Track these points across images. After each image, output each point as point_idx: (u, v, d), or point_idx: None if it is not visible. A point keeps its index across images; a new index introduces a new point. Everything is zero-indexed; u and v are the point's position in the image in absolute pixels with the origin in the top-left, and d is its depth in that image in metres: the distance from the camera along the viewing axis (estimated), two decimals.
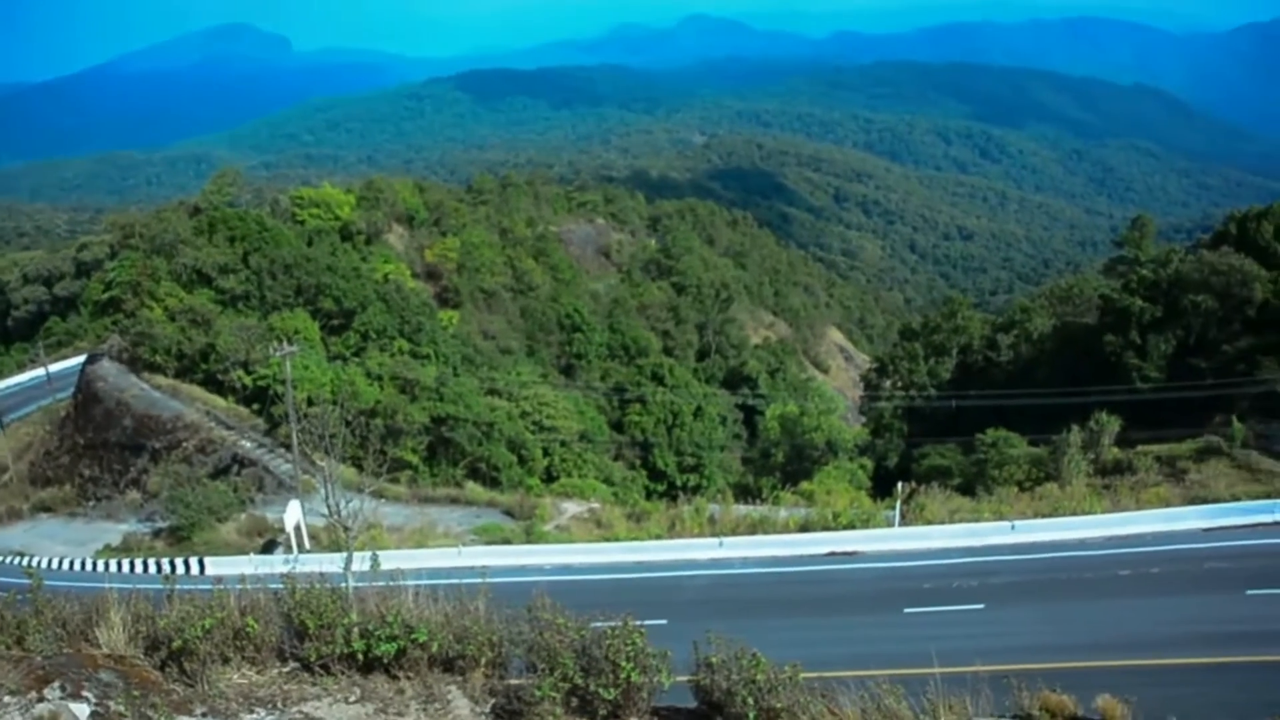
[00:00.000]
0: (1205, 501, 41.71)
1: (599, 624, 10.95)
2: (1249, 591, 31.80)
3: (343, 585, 11.92)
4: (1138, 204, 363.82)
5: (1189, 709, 19.70)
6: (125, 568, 51.48)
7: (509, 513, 56.04)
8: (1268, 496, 41.31)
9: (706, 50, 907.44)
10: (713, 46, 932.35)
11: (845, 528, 41.32)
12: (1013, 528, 39.10)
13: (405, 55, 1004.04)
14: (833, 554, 38.71)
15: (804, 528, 42.01)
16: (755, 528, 42.79)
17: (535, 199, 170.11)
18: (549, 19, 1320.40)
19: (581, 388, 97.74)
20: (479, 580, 12.16)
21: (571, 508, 57.55)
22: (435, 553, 42.17)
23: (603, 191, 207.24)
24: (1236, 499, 41.71)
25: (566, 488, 70.39)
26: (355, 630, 10.30)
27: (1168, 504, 42.38)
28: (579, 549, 41.79)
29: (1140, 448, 66.67)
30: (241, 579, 11.40)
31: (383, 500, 54.44)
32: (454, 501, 59.85)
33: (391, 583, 11.42)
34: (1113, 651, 28.15)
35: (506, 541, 46.29)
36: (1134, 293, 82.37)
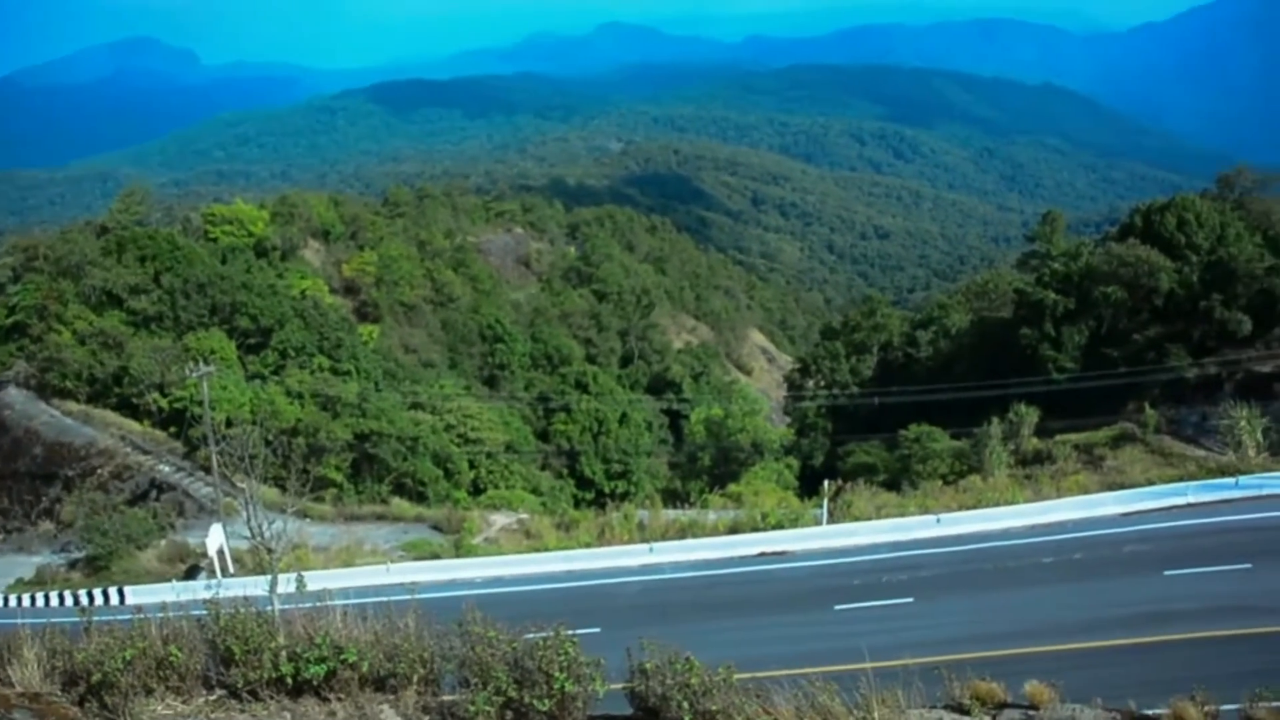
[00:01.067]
0: (1122, 487, 42.78)
1: (531, 635, 10.95)
2: (1166, 572, 32.77)
3: (268, 609, 11.78)
4: (1048, 199, 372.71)
5: (1114, 689, 20.22)
6: (39, 602, 49.97)
7: (437, 527, 55.56)
8: (1180, 480, 42.55)
9: (621, 57, 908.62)
10: (627, 53, 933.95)
11: (774, 528, 41.62)
12: (938, 521, 39.73)
13: (317, 68, 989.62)
14: (763, 554, 38.98)
15: (733, 529, 42.25)
16: (685, 532, 42.92)
17: (453, 210, 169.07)
18: (463, 28, 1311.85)
19: (506, 398, 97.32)
20: (408, 597, 12.09)
21: (500, 520, 57.27)
22: (363, 571, 41.69)
23: (520, 201, 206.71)
24: (1151, 483, 42.87)
25: (494, 500, 70.00)
26: (283, 654, 10.17)
27: (1087, 491, 43.33)
28: (509, 561, 41.56)
29: (1059, 437, 68.25)
30: (163, 607, 11.18)
31: (307, 520, 53.70)
32: (380, 518, 59.17)
33: (319, 603, 11.32)
34: (1040, 637, 28.81)
35: (435, 556, 45.90)
36: (1047, 286, 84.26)
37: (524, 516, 57.74)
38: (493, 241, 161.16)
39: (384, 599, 13.22)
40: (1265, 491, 39.36)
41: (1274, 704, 17.94)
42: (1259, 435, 50.33)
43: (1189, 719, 16.69)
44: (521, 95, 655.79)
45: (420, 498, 68.91)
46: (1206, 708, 16.97)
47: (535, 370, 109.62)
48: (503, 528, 54.59)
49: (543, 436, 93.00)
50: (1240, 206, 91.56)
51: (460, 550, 46.57)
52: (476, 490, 76.17)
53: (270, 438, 38.18)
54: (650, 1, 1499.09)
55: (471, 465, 77.93)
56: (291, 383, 77.11)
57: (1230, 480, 40.71)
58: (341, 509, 60.91)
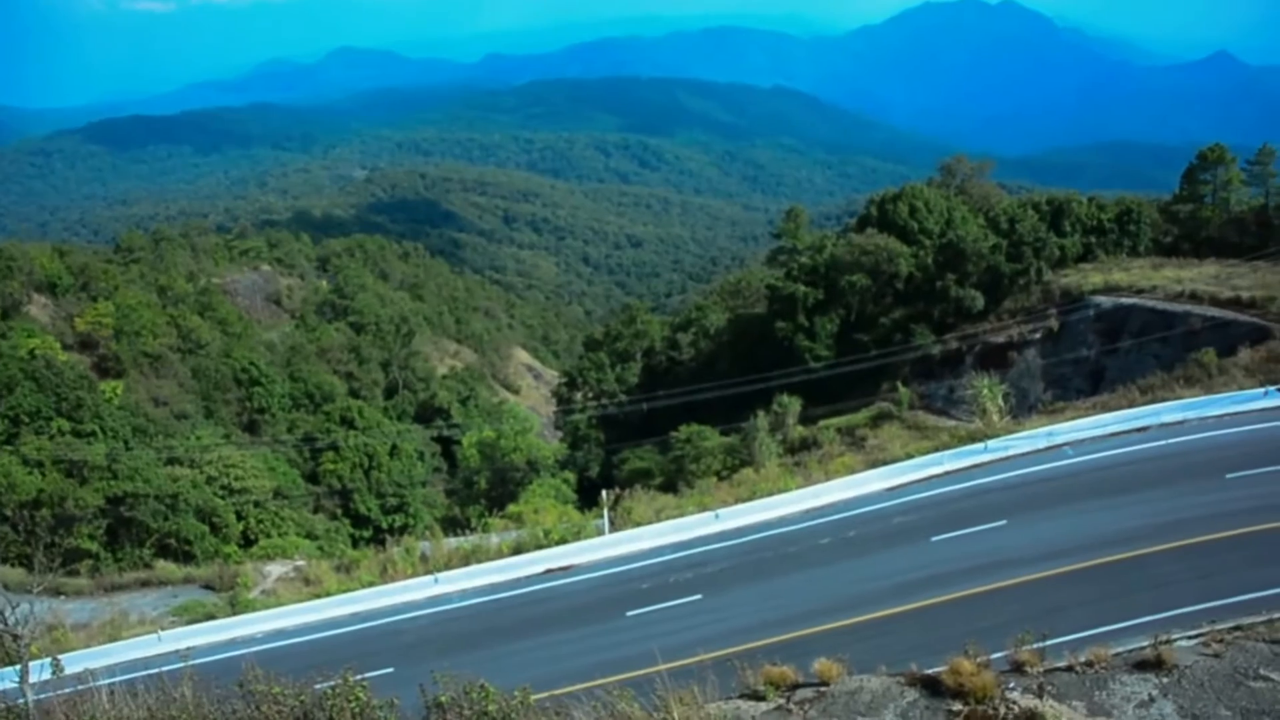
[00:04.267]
0: (885, 463, 44.85)
1: (320, 686, 10.50)
2: (933, 538, 34.76)
3: (20, 702, 10.81)
4: (789, 196, 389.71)
5: (897, 655, 21.25)
6: None
7: (209, 586, 52.62)
8: (935, 450, 45.11)
9: (358, 82, 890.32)
10: (364, 78, 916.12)
11: (558, 543, 41.51)
12: (717, 517, 40.58)
13: (22, 107, 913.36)
14: (549, 571, 38.82)
15: (517, 550, 41.86)
16: (469, 558, 42.23)
17: (193, 252, 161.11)
18: (185, 60, 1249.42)
19: (269, 443, 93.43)
20: (182, 664, 11.36)
21: (276, 569, 54.83)
22: (131, 644, 38.95)
23: (266, 236, 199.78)
24: (910, 456, 45.22)
25: (267, 549, 66.99)
26: None
27: (853, 471, 45.13)
28: (289, 611, 39.76)
29: (822, 422, 71.22)
30: None
31: (61, 597, 49.84)
32: (145, 584, 55.48)
33: (81, 686, 10.47)
34: (825, 616, 29.95)
35: (210, 617, 43.40)
36: (796, 279, 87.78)
37: (301, 563, 55.48)
38: (239, 281, 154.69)
39: (157, 670, 12.38)
40: (1011, 452, 42.31)
41: (1035, 645, 19.31)
42: (1000, 401, 54.06)
43: (965, 672, 17.71)
44: (256, 126, 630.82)
45: (187, 557, 65.12)
46: (979, 659, 18.07)
47: (297, 411, 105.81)
48: (280, 577, 52.29)
49: (312, 478, 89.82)
50: (962, 192, 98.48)
51: (236, 607, 44.25)
52: (247, 542, 72.73)
53: (9, 513, 35.20)
54: (384, 25, 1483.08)
55: (239, 516, 74.35)
56: (28, 450, 71.39)
57: (979, 445, 43.49)
58: (100, 580, 56.74)
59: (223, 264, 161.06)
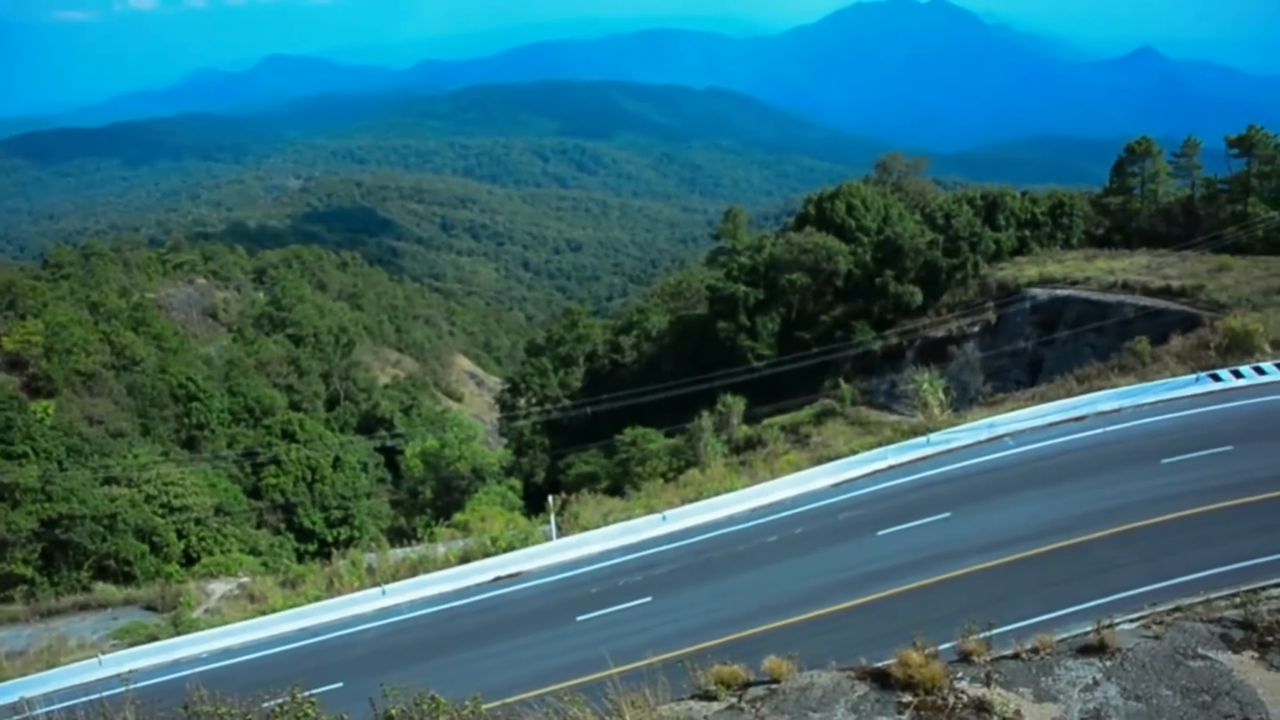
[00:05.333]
0: (829, 460, 45.23)
1: (268, 704, 10.35)
2: (879, 532, 35.15)
3: None
4: (727, 197, 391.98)
5: (845, 649, 21.44)
6: None
7: (151, 607, 51.69)
8: (879, 445, 45.57)
9: (291, 91, 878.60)
10: (297, 87, 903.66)
11: (506, 550, 41.31)
12: (664, 518, 40.64)
13: None
14: (498, 579, 38.64)
15: (465, 559, 41.60)
16: (416, 569, 41.89)
17: (125, 266, 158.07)
18: (111, 71, 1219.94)
19: (209, 459, 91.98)
20: (124, 689, 11.14)
21: (219, 587, 54.02)
22: (71, 670, 38.09)
23: (200, 249, 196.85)
24: (855, 452, 45.62)
25: (210, 567, 65.97)
26: None
27: (798, 468, 45.44)
28: (235, 629, 39.15)
29: (766, 421, 71.70)
30: None
31: None
32: (84, 608, 54.36)
33: (18, 717, 10.23)
34: (775, 613, 30.14)
35: (153, 639, 42.60)
36: (736, 280, 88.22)
37: (245, 580, 54.71)
38: (174, 296, 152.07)
39: (99, 695, 12.13)
40: (953, 445, 42.86)
41: (981, 635, 19.57)
42: (940, 394, 54.77)
43: (913, 664, 17.88)
44: (187, 137, 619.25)
45: (127, 578, 63.81)
46: (927, 650, 18.27)
47: (237, 425, 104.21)
48: (223, 595, 51.51)
49: (254, 493, 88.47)
50: (899, 189, 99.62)
51: (180, 628, 43.48)
52: (189, 560, 71.44)
53: None
54: (315, 32, 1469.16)
55: (180, 535, 73.00)
56: None
57: (922, 439, 44.03)
58: (36, 605, 55.47)
59: (156, 278, 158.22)
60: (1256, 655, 18.88)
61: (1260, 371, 45.19)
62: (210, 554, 71.56)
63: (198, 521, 75.03)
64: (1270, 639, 19.39)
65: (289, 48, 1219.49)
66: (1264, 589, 22.74)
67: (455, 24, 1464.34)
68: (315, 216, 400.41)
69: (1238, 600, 21.41)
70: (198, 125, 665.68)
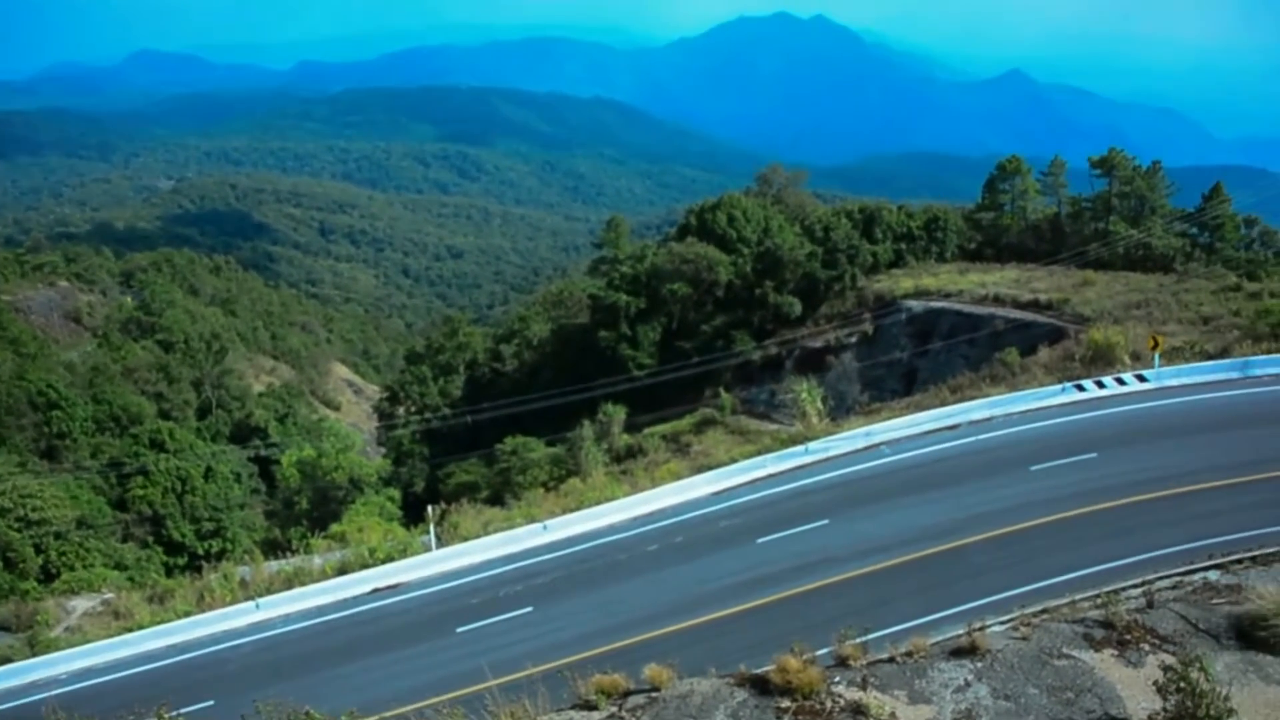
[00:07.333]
0: (710, 468, 45.51)
1: None
2: (759, 540, 35.47)
3: None
4: (610, 206, 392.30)
5: (726, 656, 21.55)
6: None
7: (4, 627, 49.38)
8: (759, 453, 46.05)
9: (162, 87, 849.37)
10: (168, 83, 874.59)
11: (384, 562, 40.55)
12: (545, 528, 40.38)
13: None
14: (376, 590, 37.91)
15: (342, 570, 40.70)
16: (291, 581, 40.82)
17: None
18: None
19: (70, 469, 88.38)
20: None
21: (81, 604, 51.87)
22: None
23: (62, 251, 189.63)
24: (734, 460, 46.05)
25: (71, 583, 63.21)
26: None
27: (679, 477, 45.58)
28: (97, 648, 37.51)
29: (647, 430, 72.10)
30: None
31: None
32: None
33: None
34: (656, 622, 30.19)
35: (6, 660, 40.67)
36: (618, 289, 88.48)
37: (109, 596, 52.64)
38: (33, 299, 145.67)
39: None
40: (831, 453, 43.57)
41: (858, 639, 19.92)
42: (819, 404, 55.70)
43: (791, 669, 18.09)
44: (48, 133, 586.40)
45: None
46: (805, 656, 18.52)
47: (102, 434, 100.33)
48: (86, 613, 49.48)
49: (120, 505, 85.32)
50: (779, 201, 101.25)
51: (36, 648, 41.56)
52: (48, 576, 68.41)
53: None
54: (187, 28, 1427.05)
55: (38, 550, 69.93)
56: None
57: (801, 448, 44.61)
58: None
59: (14, 280, 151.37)
60: (1116, 653, 19.64)
61: (1121, 382, 47.18)
62: (71, 569, 68.63)
63: (58, 535, 72.00)
64: (1129, 637, 20.19)
65: (159, 43, 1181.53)
66: (1124, 589, 23.64)
67: (335, 25, 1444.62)
68: (187, 219, 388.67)
69: (1100, 601, 22.20)
70: (60, 120, 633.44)
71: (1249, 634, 20.08)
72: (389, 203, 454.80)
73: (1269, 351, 48.42)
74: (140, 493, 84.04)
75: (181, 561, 78.96)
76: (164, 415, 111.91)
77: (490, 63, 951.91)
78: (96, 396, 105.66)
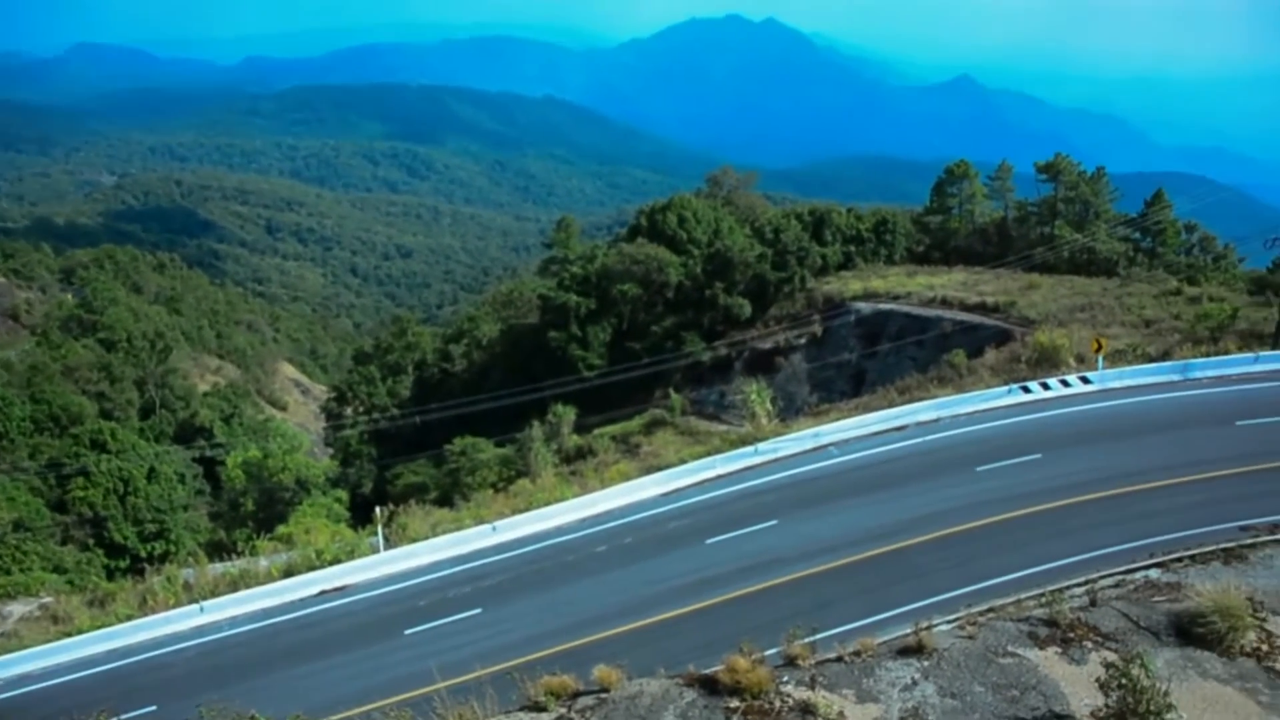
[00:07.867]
0: (659, 469, 45.58)
1: None
2: (707, 541, 35.55)
3: None
4: (560, 206, 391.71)
5: (675, 657, 21.59)
6: None
7: None
8: (708, 454, 46.18)
9: (104, 81, 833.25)
10: (111, 77, 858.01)
11: (331, 563, 40.15)
12: (494, 529, 40.21)
13: None
14: (323, 592, 37.54)
15: (289, 572, 40.23)
16: (236, 584, 40.28)
17: None
18: None
19: (7, 470, 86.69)
20: None
21: (17, 609, 50.81)
22: None
23: (0, 246, 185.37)
24: (684, 461, 46.16)
25: (8, 587, 61.97)
26: None
27: (628, 478, 45.60)
28: (34, 654, 36.72)
29: (597, 431, 72.00)
30: None
31: None
32: None
33: None
34: (605, 623, 30.15)
35: None
36: (568, 289, 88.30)
37: (48, 600, 51.61)
38: None
39: None
40: (780, 454, 43.78)
41: (806, 640, 20.02)
42: (768, 405, 55.95)
43: (740, 669, 18.16)
44: None
45: None
46: (754, 656, 18.59)
47: (40, 435, 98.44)
48: (22, 617, 48.46)
49: (59, 507, 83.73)
50: (729, 202, 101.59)
51: None
52: None
53: None
54: (131, 21, 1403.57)
55: None
56: None
57: (750, 449, 44.81)
58: None
59: None
60: (1060, 651, 19.92)
61: (1065, 384, 47.90)
62: (7, 573, 67.21)
63: None
64: (1072, 635, 20.49)
65: (101, 35, 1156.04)
66: (1067, 588, 23.97)
67: (282, 21, 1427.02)
68: (131, 215, 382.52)
69: (1044, 600, 22.51)
70: None
71: (1188, 631, 20.48)
72: (337, 201, 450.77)
73: (1208, 354, 49.47)
74: (80, 494, 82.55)
75: (123, 564, 77.66)
76: (106, 415, 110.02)
77: (442, 61, 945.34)
78: (35, 396, 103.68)
